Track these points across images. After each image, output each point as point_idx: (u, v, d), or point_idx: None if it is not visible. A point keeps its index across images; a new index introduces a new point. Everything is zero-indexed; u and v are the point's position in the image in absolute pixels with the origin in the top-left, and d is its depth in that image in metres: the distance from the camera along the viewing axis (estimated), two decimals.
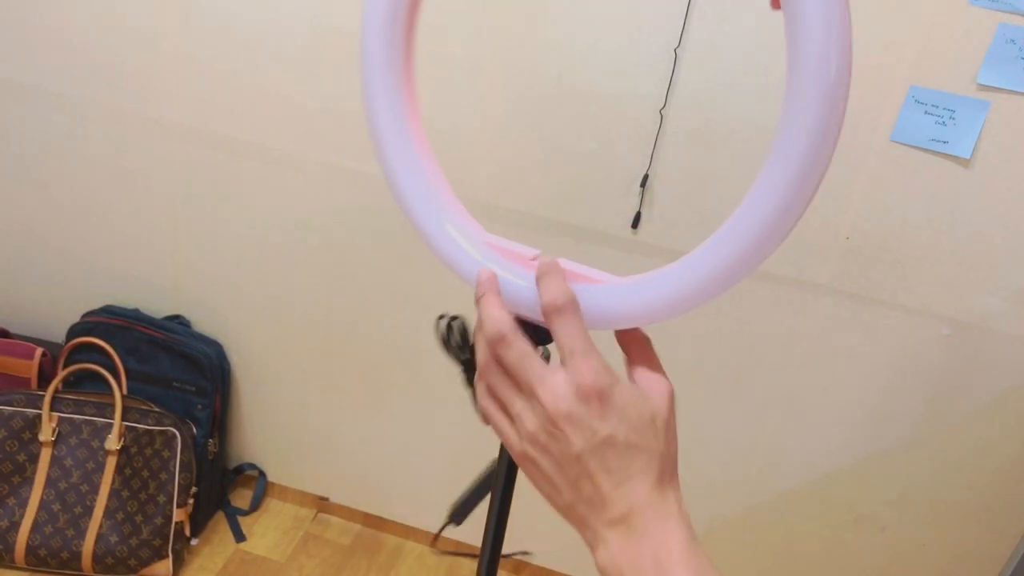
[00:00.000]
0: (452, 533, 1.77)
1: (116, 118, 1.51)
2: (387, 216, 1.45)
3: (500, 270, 0.47)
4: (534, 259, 0.47)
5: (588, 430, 0.39)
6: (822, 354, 1.37)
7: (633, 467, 0.40)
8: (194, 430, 1.63)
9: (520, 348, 0.42)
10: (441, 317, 0.46)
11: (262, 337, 1.67)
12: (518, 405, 0.42)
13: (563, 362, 0.41)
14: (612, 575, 0.40)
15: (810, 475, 1.48)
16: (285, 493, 1.84)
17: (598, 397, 0.39)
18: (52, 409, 1.53)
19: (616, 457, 0.40)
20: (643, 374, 0.44)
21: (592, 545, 0.42)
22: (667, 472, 0.42)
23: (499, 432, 0.45)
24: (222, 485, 1.80)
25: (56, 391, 1.54)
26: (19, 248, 1.71)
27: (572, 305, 0.41)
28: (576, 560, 1.70)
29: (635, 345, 0.46)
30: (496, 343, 0.42)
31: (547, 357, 0.46)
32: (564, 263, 0.45)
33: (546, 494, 0.43)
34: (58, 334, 1.68)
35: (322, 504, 1.83)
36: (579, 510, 0.42)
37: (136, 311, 1.66)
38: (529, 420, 0.41)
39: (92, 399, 1.55)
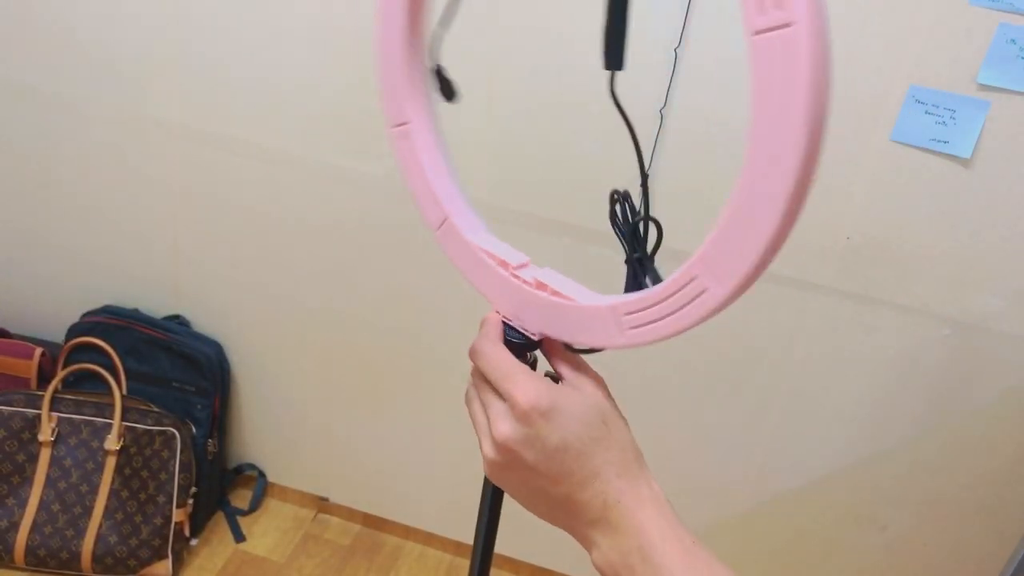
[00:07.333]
0: (451, 533, 1.77)
1: (116, 118, 1.51)
2: (387, 216, 1.45)
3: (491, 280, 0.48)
4: (519, 267, 0.49)
5: (537, 443, 0.40)
6: (822, 354, 1.37)
7: (594, 464, 0.41)
8: (194, 430, 1.63)
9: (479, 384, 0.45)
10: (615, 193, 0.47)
11: (262, 337, 1.67)
12: (480, 431, 0.45)
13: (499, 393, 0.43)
14: (610, 574, 0.41)
15: (810, 475, 1.48)
16: (285, 493, 1.84)
17: (539, 413, 0.40)
18: (51, 409, 1.52)
19: (574, 459, 0.40)
20: (570, 372, 0.45)
21: (587, 548, 0.42)
22: (630, 459, 0.42)
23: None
24: (222, 485, 1.80)
25: (55, 391, 1.54)
26: (19, 248, 1.71)
27: (480, 346, 0.45)
28: (576, 559, 1.70)
29: (554, 346, 0.47)
30: (472, 369, 0.46)
31: (534, 363, 0.49)
32: (548, 275, 0.47)
33: (529, 509, 0.44)
34: (57, 334, 1.68)
35: (322, 504, 1.83)
36: (560, 518, 0.43)
37: (136, 311, 1.66)
38: (487, 448, 0.43)
39: (91, 399, 1.55)
